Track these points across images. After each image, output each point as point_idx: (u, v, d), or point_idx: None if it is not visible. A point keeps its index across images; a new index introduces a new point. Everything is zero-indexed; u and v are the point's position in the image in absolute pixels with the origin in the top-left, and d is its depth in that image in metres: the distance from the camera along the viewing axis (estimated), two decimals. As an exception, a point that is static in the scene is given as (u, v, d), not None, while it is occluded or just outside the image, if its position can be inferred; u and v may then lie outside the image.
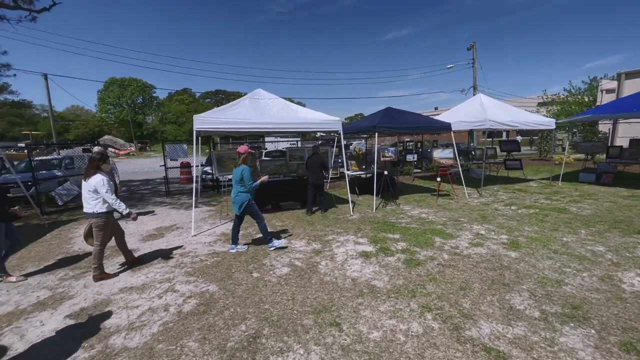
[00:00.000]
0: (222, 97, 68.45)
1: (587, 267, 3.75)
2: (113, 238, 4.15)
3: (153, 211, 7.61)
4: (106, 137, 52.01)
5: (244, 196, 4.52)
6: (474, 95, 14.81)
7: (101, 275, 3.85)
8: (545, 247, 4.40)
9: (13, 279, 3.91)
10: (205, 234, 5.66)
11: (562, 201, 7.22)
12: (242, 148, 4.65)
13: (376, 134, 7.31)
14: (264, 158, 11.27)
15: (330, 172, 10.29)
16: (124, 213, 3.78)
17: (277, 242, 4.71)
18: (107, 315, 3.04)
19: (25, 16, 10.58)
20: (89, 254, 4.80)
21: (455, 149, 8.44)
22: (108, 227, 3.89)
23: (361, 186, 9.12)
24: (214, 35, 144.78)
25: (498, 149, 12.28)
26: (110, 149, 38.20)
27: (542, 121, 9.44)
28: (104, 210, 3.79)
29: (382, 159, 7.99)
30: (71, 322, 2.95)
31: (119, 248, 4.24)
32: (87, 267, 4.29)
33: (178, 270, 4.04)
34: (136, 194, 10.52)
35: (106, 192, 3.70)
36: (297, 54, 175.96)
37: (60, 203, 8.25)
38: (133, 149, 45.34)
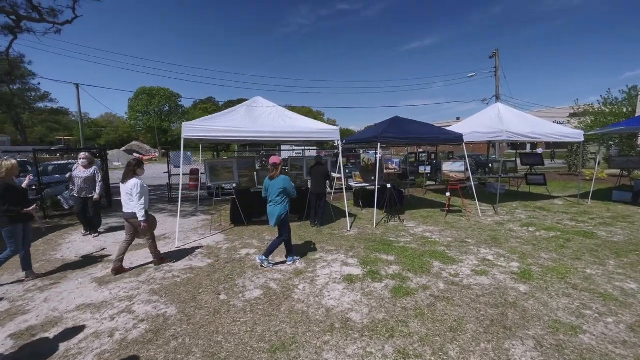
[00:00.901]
0: (243, 106, 70.07)
1: (614, 310, 3.09)
2: (132, 235, 4.32)
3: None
4: (134, 142, 54.62)
5: (282, 207, 4.29)
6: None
7: (161, 259, 4.53)
8: (563, 281, 3.74)
9: (-18, 287, 3.82)
10: (190, 245, 5.41)
11: (589, 223, 6.37)
12: (276, 159, 4.42)
13: (378, 144, 6.88)
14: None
15: (335, 182, 9.87)
16: (140, 219, 4.11)
17: (266, 264, 4.35)
18: (49, 337, 2.79)
19: (49, 29, 11.22)
20: (68, 263, 4.69)
21: (468, 162, 7.79)
22: (148, 220, 4.25)
23: (366, 199, 8.63)
24: (241, 47, 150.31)
25: (519, 162, 11.33)
26: (135, 154, 39.90)
27: (569, 133, 8.56)
28: None
29: (385, 171, 7.49)
30: (11, 343, 2.73)
31: (127, 245, 4.35)
32: (58, 277, 4.13)
33: (145, 287, 3.78)
34: (142, 200, 10.58)
35: (136, 194, 4.07)
36: (318, 65, 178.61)
37: (66, 207, 8.37)
38: (157, 154, 47.17)
